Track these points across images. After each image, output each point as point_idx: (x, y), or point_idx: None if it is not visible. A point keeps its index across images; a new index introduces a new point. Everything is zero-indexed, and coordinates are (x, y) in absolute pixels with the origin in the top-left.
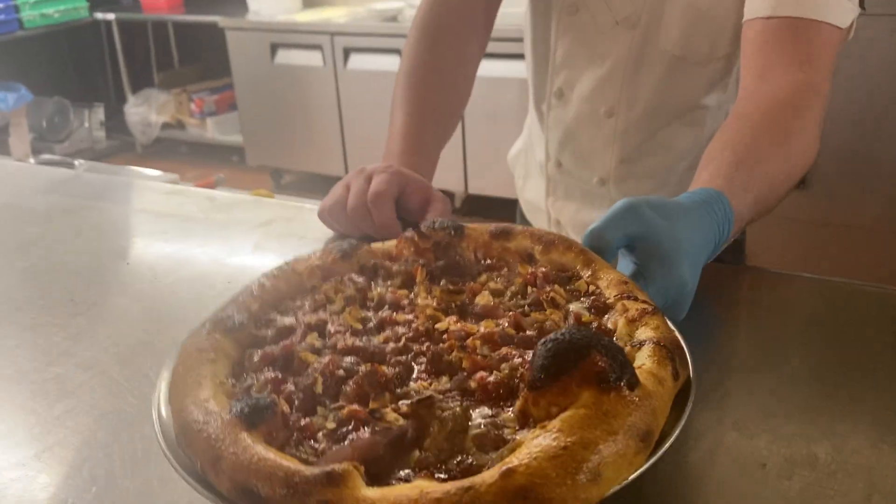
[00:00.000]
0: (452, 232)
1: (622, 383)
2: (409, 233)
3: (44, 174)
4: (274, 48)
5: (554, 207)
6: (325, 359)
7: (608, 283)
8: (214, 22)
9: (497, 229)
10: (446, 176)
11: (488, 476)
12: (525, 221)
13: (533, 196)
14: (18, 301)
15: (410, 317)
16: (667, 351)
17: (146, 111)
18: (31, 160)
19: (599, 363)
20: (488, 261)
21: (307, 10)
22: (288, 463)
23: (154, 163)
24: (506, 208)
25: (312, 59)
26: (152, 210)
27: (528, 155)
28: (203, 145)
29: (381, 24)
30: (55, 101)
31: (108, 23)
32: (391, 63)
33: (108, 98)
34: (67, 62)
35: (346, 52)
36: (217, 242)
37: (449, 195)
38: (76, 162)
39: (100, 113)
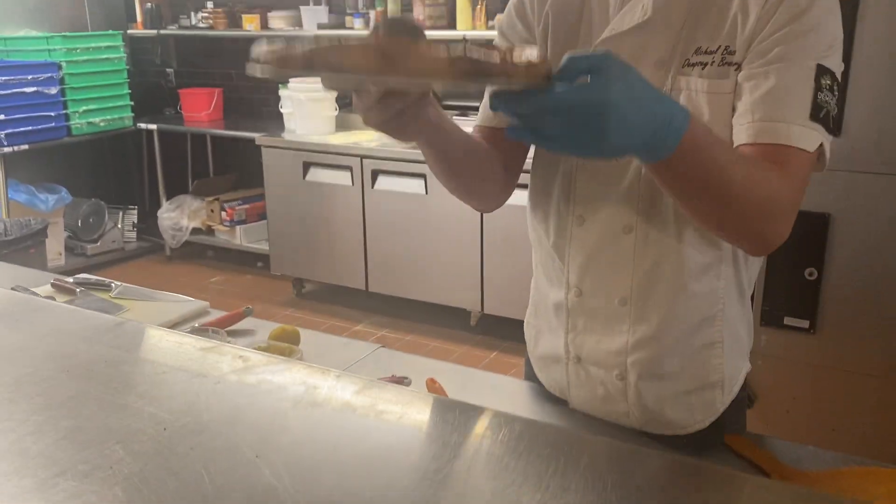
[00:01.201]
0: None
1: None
2: None
3: (87, 321)
4: (306, 166)
5: (574, 344)
6: None
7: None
8: (252, 138)
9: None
10: (463, 295)
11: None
12: (534, 380)
13: (548, 348)
14: (62, 465)
15: None
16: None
17: (178, 216)
18: (70, 279)
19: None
20: None
21: (339, 132)
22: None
23: (180, 265)
24: (519, 330)
25: (342, 178)
26: (188, 369)
27: (538, 312)
28: (230, 250)
29: (408, 149)
30: (92, 202)
31: (149, 132)
32: (416, 185)
33: (142, 201)
34: (108, 167)
35: (374, 174)
36: (248, 410)
37: (465, 314)
38: (113, 283)
39: (133, 215)
